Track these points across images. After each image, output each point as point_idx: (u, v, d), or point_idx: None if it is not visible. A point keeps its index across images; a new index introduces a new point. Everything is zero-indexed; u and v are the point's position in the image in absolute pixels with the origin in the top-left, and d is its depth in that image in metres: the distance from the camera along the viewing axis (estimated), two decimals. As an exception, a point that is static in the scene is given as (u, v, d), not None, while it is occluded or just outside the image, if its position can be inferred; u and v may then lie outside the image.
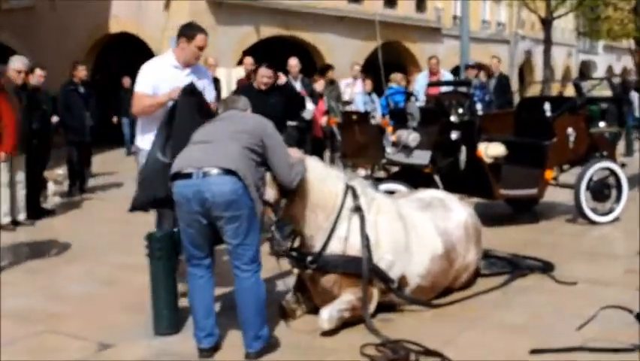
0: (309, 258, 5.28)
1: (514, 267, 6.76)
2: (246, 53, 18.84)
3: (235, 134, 4.71)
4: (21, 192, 9.45)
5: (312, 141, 12.15)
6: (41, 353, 4.90)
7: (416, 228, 5.76)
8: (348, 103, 13.57)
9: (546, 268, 6.78)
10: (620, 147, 14.26)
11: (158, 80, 5.80)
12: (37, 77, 10.45)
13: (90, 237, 8.87)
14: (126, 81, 18.42)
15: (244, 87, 9.73)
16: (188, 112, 5.25)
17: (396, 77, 14.90)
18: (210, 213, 4.54)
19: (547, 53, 31.88)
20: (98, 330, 5.33)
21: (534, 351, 4.74)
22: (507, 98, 14.23)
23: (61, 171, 11.66)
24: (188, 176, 4.56)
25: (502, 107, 11.71)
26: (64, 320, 5.63)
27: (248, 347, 4.71)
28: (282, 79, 8.00)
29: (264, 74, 7.70)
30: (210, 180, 4.49)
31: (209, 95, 5.93)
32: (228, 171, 4.51)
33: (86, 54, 21.67)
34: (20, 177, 9.40)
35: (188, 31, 5.90)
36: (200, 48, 5.88)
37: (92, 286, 6.62)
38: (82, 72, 12.07)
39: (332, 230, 5.29)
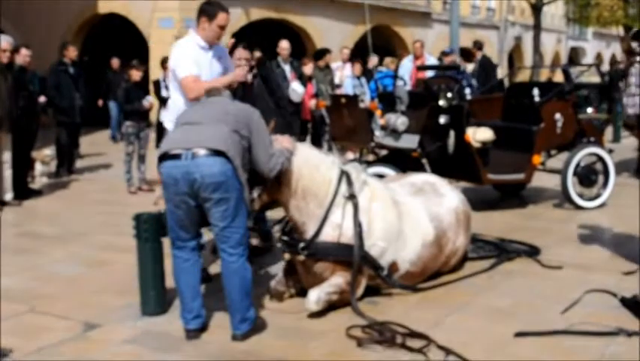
0: (302, 244, 5.29)
1: (501, 251, 6.80)
2: (235, 36, 18.76)
3: (223, 115, 4.69)
4: (7, 172, 9.41)
5: (301, 123, 12.15)
6: (27, 333, 4.89)
7: (409, 214, 5.76)
8: (338, 86, 13.57)
9: (532, 252, 6.81)
10: (609, 133, 14.30)
11: (195, 62, 5.56)
12: (23, 56, 10.39)
13: (77, 218, 8.85)
14: (115, 63, 18.14)
15: None
16: (261, 93, 5.25)
17: (386, 60, 14.92)
18: (199, 195, 4.52)
19: (536, 39, 31.91)
20: (85, 311, 5.33)
21: (518, 334, 4.78)
22: (492, 80, 14.12)
23: (49, 152, 11.64)
24: (177, 157, 4.53)
25: (490, 91, 11.67)
26: (50, 300, 5.63)
27: (235, 329, 4.72)
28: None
29: (241, 56, 6.54)
30: (199, 161, 4.47)
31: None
32: (218, 152, 4.48)
33: (74, 34, 21.50)
34: (6, 156, 9.37)
35: (209, 9, 5.60)
36: (222, 27, 5.62)
37: (79, 267, 6.62)
38: (72, 52, 12.00)
39: (325, 217, 5.30)
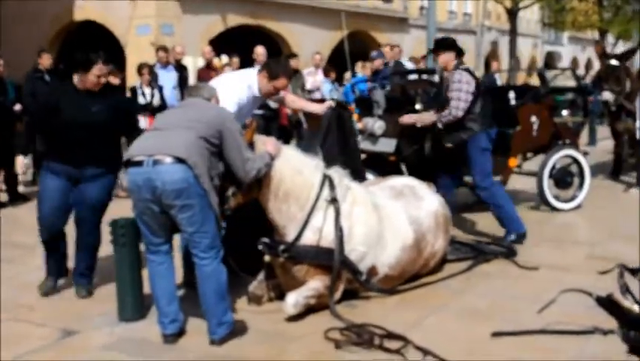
0: (282, 247, 5.29)
1: (478, 253, 6.84)
2: (212, 42, 18.75)
3: (192, 122, 4.67)
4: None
5: (279, 129, 12.16)
6: (5, 341, 4.85)
7: (389, 218, 5.79)
8: (310, 92, 13.58)
9: (509, 253, 6.86)
10: (584, 135, 14.43)
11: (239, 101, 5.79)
12: None
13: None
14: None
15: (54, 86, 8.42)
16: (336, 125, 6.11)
17: (359, 65, 14.98)
18: (162, 201, 4.52)
19: (512, 44, 32.11)
20: (62, 318, 5.31)
21: (495, 334, 4.82)
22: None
23: (26, 160, 11.53)
24: (139, 164, 4.53)
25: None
26: (28, 308, 5.60)
27: (212, 334, 4.72)
28: (116, 81, 7.36)
29: (99, 73, 5.70)
30: (160, 169, 4.47)
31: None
32: (179, 160, 4.48)
33: (50, 42, 21.39)
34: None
35: (274, 68, 5.86)
36: (277, 89, 5.93)
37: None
38: (46, 60, 11.88)
39: (306, 221, 5.31)
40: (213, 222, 4.63)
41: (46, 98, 6.02)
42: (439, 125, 7.36)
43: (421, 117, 7.77)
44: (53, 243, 5.83)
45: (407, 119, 7.86)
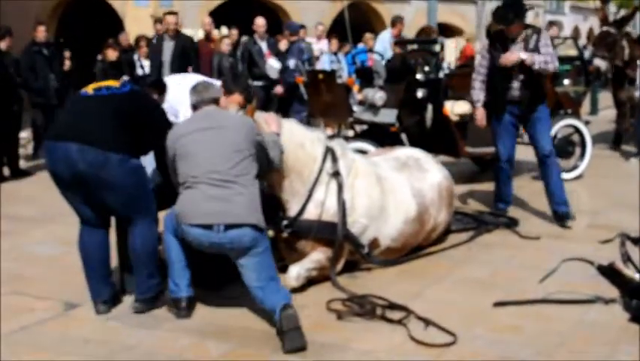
0: (285, 222, 5.29)
1: (480, 223, 6.84)
2: (211, 14, 18.61)
3: (233, 153, 4.54)
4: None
5: (278, 100, 12.12)
6: (8, 314, 4.87)
7: (392, 190, 5.78)
8: (317, 59, 13.48)
9: (511, 223, 6.86)
10: (586, 105, 14.37)
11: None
12: (7, 40, 10.29)
13: (56, 199, 8.76)
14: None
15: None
16: None
17: (366, 37, 14.90)
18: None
19: (514, 13, 31.84)
20: (65, 291, 5.32)
21: (497, 304, 4.83)
22: None
23: (25, 135, 11.52)
24: (208, 227, 4.44)
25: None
26: (30, 281, 5.61)
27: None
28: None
29: None
30: (233, 234, 4.43)
31: None
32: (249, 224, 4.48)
33: (49, 15, 21.21)
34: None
35: (229, 83, 5.59)
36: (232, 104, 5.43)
37: (58, 247, 6.58)
38: (41, 33, 11.68)
39: (309, 195, 5.30)
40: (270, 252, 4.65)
41: None
42: (537, 67, 6.69)
43: (532, 56, 6.73)
44: None
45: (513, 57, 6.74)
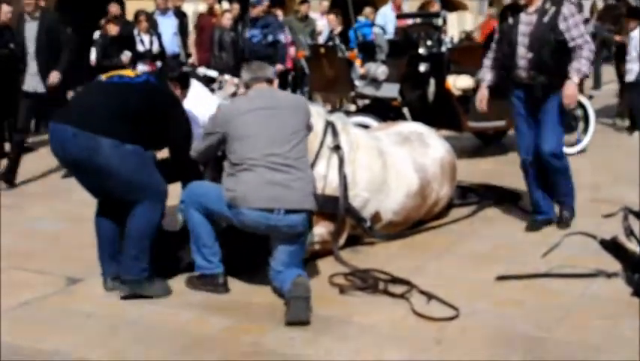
0: None
1: (482, 197, 6.82)
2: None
3: (291, 136, 4.57)
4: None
5: (283, 73, 12.05)
6: (9, 289, 4.86)
7: (394, 165, 5.76)
8: (319, 34, 13.40)
9: (513, 198, 6.84)
10: (589, 79, 14.30)
11: None
12: (4, 13, 10.05)
13: (57, 174, 8.78)
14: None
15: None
16: None
17: (366, 11, 14.78)
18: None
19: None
20: (67, 266, 5.31)
21: (500, 278, 4.82)
22: None
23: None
24: (270, 211, 4.44)
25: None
26: (31, 256, 5.61)
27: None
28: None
29: None
30: (291, 218, 4.48)
31: None
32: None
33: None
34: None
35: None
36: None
37: (59, 223, 6.58)
38: (5, 15, 9.62)
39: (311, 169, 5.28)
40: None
41: None
42: (585, 70, 5.79)
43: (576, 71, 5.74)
44: None
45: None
